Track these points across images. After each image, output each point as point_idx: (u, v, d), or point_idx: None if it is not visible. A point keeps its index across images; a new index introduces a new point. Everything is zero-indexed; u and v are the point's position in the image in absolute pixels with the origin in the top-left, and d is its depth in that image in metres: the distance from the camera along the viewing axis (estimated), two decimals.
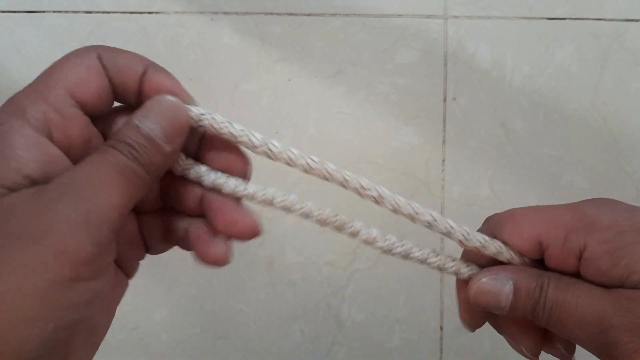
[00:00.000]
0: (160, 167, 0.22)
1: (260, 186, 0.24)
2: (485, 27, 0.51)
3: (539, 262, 0.25)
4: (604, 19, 0.51)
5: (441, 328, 0.51)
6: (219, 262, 0.23)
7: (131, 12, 0.52)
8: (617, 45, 0.51)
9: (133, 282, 0.24)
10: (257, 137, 0.23)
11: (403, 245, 0.25)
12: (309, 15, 0.51)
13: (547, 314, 0.23)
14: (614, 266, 0.22)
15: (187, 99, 0.24)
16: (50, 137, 0.20)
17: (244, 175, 0.25)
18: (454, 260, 0.25)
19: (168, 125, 0.22)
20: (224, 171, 0.23)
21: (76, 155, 0.21)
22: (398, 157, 0.50)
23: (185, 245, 0.24)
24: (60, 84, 0.21)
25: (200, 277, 0.50)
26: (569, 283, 0.23)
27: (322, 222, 0.24)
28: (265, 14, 0.52)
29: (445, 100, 0.51)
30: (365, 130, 0.51)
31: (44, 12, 0.52)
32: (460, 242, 0.24)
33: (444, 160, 0.50)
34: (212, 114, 0.23)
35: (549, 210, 0.24)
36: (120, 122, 0.22)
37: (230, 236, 0.23)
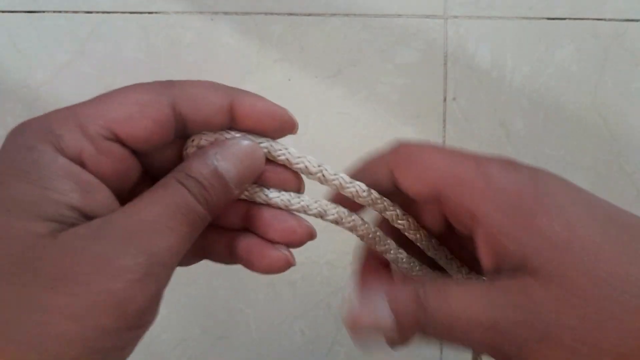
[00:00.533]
0: (223, 207, 0.21)
1: (311, 198, 0.24)
2: (485, 27, 0.51)
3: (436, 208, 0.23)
4: (604, 19, 0.51)
5: None
6: (287, 265, 0.23)
7: (131, 12, 0.52)
8: (617, 45, 0.51)
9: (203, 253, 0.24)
10: (312, 164, 0.24)
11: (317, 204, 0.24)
12: (309, 15, 0.51)
13: (434, 329, 0.20)
14: (505, 237, 0.19)
15: (285, 119, 0.23)
16: (83, 166, 0.19)
17: (298, 189, 0.24)
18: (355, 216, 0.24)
19: (244, 169, 0.21)
20: (276, 187, 0.23)
21: (112, 184, 0.20)
22: None
23: (223, 258, 0.23)
24: (104, 117, 0.20)
25: (201, 277, 0.50)
26: (448, 284, 0.21)
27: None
28: (266, 13, 0.51)
29: (445, 100, 0.51)
30: (365, 130, 0.51)
31: (43, 12, 0.52)
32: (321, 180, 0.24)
33: None
34: (288, 149, 0.24)
35: (453, 157, 0.21)
36: (192, 153, 0.21)
37: (288, 244, 0.23)
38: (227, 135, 0.22)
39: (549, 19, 0.51)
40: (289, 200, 0.23)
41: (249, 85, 0.51)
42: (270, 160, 0.23)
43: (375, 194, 0.24)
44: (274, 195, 0.23)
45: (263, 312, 0.50)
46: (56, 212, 0.18)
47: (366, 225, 0.24)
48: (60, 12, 0.52)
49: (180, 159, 0.22)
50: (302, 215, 0.24)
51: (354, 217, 0.24)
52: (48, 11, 0.52)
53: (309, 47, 0.51)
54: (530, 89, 0.51)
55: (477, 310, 0.19)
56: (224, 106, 0.21)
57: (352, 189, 0.24)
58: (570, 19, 0.51)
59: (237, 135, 0.22)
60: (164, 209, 0.19)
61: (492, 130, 0.50)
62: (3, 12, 0.52)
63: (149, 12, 0.52)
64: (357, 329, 0.21)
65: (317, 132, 0.51)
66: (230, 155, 0.21)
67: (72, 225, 0.18)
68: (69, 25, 0.52)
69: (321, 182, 0.24)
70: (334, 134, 0.51)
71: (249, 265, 0.23)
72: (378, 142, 0.50)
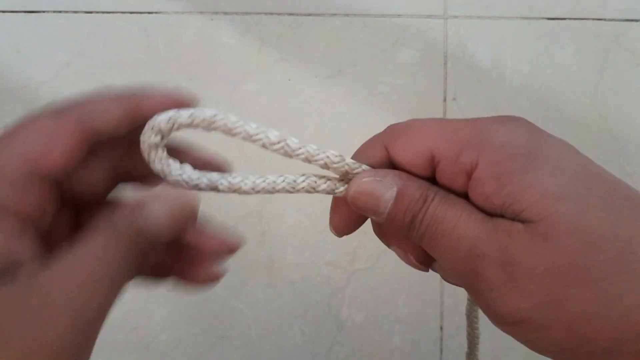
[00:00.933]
0: (151, 256, 0.21)
1: (275, 175, 0.24)
2: (485, 27, 0.51)
3: (431, 181, 0.23)
4: (604, 19, 0.51)
5: (441, 328, 0.51)
6: (217, 279, 0.23)
7: (131, 12, 0.52)
8: (617, 45, 0.51)
9: (132, 283, 0.24)
10: (274, 134, 0.23)
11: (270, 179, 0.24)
12: (309, 15, 0.51)
13: (423, 230, 0.21)
14: (498, 192, 0.20)
15: (187, 101, 0.24)
16: (5, 210, 0.19)
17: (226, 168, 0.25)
18: (325, 179, 0.24)
19: (176, 224, 0.21)
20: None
21: (35, 220, 0.20)
22: None
23: (156, 273, 0.24)
24: (19, 157, 0.19)
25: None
26: (455, 202, 0.21)
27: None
28: (266, 14, 0.51)
29: (445, 100, 0.51)
30: (365, 130, 0.50)
31: (44, 12, 0.52)
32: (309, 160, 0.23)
33: None
34: (246, 124, 0.23)
35: (449, 123, 0.22)
36: (123, 205, 0.21)
37: (221, 254, 0.24)
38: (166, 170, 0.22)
39: (549, 19, 0.51)
40: (253, 182, 0.23)
41: (249, 85, 0.51)
42: (180, 152, 0.24)
43: (349, 159, 0.23)
44: (238, 181, 0.23)
45: (263, 312, 0.50)
46: None
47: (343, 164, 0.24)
48: (60, 12, 0.52)
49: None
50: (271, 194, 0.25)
51: (327, 181, 0.24)
52: (48, 11, 0.52)
53: (309, 47, 0.51)
54: (530, 89, 0.51)
55: (468, 234, 0.20)
56: (124, 113, 0.21)
57: (322, 159, 0.23)
58: (570, 19, 0.51)
59: (177, 168, 0.22)
60: (92, 268, 0.19)
61: None
62: (3, 12, 0.52)
63: (149, 12, 0.52)
64: (357, 195, 0.22)
65: (317, 131, 0.50)
66: (162, 211, 0.21)
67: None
68: (68, 25, 0.52)
69: (287, 155, 0.23)
70: (334, 133, 0.50)
71: (185, 280, 0.24)
72: None
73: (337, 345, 0.50)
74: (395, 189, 0.22)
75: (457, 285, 0.22)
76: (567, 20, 0.51)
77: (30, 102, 0.51)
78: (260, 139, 0.23)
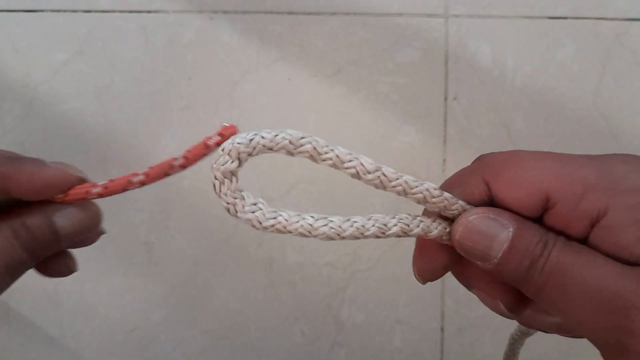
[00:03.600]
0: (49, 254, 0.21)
1: (348, 217, 0.20)
2: (487, 26, 0.51)
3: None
4: (606, 18, 0.51)
5: (442, 329, 0.50)
6: (71, 273, 0.23)
7: (130, 11, 0.51)
8: (619, 45, 0.51)
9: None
10: (368, 162, 0.20)
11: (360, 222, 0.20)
12: (309, 14, 0.51)
13: (545, 278, 0.18)
14: None
15: (69, 182, 0.21)
16: None
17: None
18: (418, 219, 0.20)
19: (80, 228, 0.21)
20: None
21: None
22: (399, 157, 0.50)
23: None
24: None
25: (200, 278, 0.50)
26: (579, 248, 0.18)
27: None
28: (265, 12, 0.51)
29: (446, 99, 0.51)
30: (365, 130, 0.50)
31: (42, 11, 0.52)
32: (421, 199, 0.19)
33: (444, 160, 0.50)
34: (336, 148, 0.20)
35: (564, 159, 0.19)
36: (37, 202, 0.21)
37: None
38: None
39: (550, 18, 0.51)
40: (339, 227, 0.20)
41: (248, 84, 0.51)
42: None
43: (447, 194, 0.20)
44: (320, 225, 0.20)
45: (263, 313, 0.50)
46: None
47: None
48: (58, 11, 0.51)
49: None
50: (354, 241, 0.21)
51: (420, 219, 0.20)
52: (47, 10, 0.51)
53: (309, 47, 0.51)
54: (531, 88, 0.51)
55: (609, 283, 0.17)
56: None
57: (421, 191, 0.20)
58: (571, 18, 0.51)
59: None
60: None
61: (493, 130, 0.50)
62: (1, 11, 0.52)
63: (148, 11, 0.51)
64: (466, 235, 0.19)
65: (317, 131, 0.50)
66: (70, 214, 0.21)
67: None
68: (67, 24, 0.51)
69: (380, 187, 0.20)
70: (334, 133, 0.50)
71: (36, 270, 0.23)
72: (379, 142, 0.50)
73: (337, 346, 0.50)
74: (511, 229, 0.19)
75: (577, 337, 0.19)
76: (568, 20, 0.51)
77: (29, 101, 0.51)
78: (352, 167, 0.19)
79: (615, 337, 0.17)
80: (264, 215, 0.19)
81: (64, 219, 0.21)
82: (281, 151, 0.19)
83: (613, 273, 0.17)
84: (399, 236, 0.20)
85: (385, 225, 0.20)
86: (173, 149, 0.50)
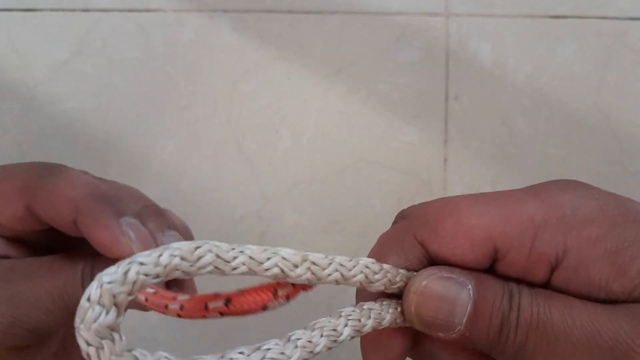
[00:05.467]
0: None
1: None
2: (487, 25, 0.51)
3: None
4: (607, 17, 0.51)
5: None
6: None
7: (129, 10, 0.51)
8: (620, 44, 0.50)
9: None
10: (292, 258, 0.16)
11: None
12: (309, 13, 0.51)
13: (522, 337, 0.15)
14: (619, 275, 0.15)
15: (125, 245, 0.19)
16: None
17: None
18: (367, 308, 0.17)
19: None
20: None
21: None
22: (399, 157, 0.50)
23: None
24: None
25: (198, 278, 0.50)
26: (549, 294, 0.16)
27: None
28: (265, 11, 0.51)
29: (447, 99, 0.50)
30: (365, 130, 0.50)
31: (40, 10, 0.51)
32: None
33: (445, 160, 0.50)
34: (246, 248, 0.16)
35: (502, 199, 0.17)
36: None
37: None
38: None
39: (551, 17, 0.51)
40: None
41: (248, 83, 0.51)
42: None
43: (387, 266, 0.17)
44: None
45: (262, 315, 0.50)
46: None
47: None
48: (57, 10, 0.51)
49: None
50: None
51: (367, 305, 0.17)
52: (45, 9, 0.51)
53: (309, 46, 0.51)
54: (532, 87, 0.50)
55: (599, 329, 0.15)
56: (69, 222, 0.19)
57: (361, 273, 0.17)
58: (572, 17, 0.51)
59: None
60: (52, 288, 0.19)
61: (494, 130, 0.50)
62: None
63: (147, 10, 0.51)
64: (423, 303, 0.16)
65: (317, 131, 0.50)
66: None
67: None
68: (66, 23, 0.51)
69: (311, 282, 0.17)
70: (334, 133, 0.50)
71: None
72: (379, 142, 0.50)
73: (337, 347, 0.50)
74: (470, 286, 0.16)
75: None
76: (569, 19, 0.51)
77: (28, 101, 0.51)
78: (273, 265, 0.16)
79: None
80: None
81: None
82: (175, 275, 0.14)
83: (600, 316, 0.15)
84: (353, 337, 0.17)
85: (335, 330, 0.17)
86: (172, 148, 0.50)
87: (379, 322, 0.17)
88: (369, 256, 0.18)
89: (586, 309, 0.15)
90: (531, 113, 0.50)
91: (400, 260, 0.17)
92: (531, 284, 0.16)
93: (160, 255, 0.14)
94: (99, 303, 0.12)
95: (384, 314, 0.17)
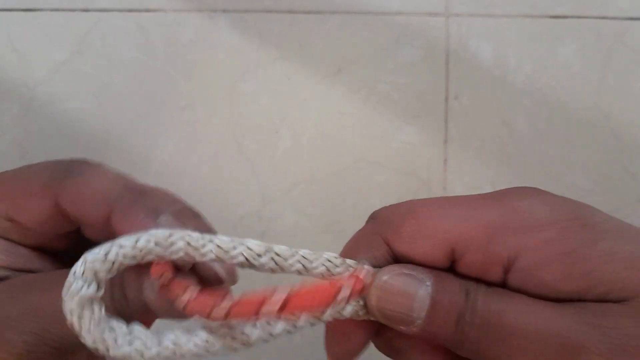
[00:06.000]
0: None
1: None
2: (488, 25, 0.51)
3: None
4: (607, 17, 0.51)
5: None
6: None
7: (129, 10, 0.51)
8: (621, 44, 0.50)
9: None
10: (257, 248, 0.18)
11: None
12: (309, 13, 0.51)
13: (477, 332, 0.16)
14: (566, 276, 0.16)
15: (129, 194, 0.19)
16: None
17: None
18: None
19: (165, 309, 0.19)
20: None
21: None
22: (399, 157, 0.50)
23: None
24: (3, 203, 0.19)
25: None
26: (505, 292, 0.17)
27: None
28: (265, 11, 0.51)
29: (447, 99, 0.50)
30: (365, 130, 0.50)
31: (40, 10, 0.51)
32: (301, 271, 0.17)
33: (445, 160, 0.50)
34: (186, 232, 0.17)
35: (463, 203, 0.18)
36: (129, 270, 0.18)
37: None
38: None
39: (551, 17, 0.51)
40: (207, 342, 0.18)
41: (248, 83, 0.51)
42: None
43: (351, 261, 0.19)
44: (184, 342, 0.17)
45: None
46: None
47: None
48: (57, 10, 0.51)
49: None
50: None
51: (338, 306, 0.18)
52: (45, 9, 0.51)
53: (309, 46, 0.51)
54: (532, 87, 0.50)
55: (549, 325, 0.16)
56: (101, 218, 0.18)
57: (322, 266, 0.18)
58: (573, 17, 0.51)
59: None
60: None
61: (495, 130, 0.50)
62: None
63: (147, 10, 0.51)
64: (383, 298, 0.17)
65: (317, 131, 0.50)
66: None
67: (7, 278, 0.18)
68: (66, 23, 0.51)
69: (274, 271, 0.19)
70: (334, 133, 0.50)
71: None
72: (379, 142, 0.50)
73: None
74: (429, 283, 0.17)
75: None
76: (569, 19, 0.51)
77: (28, 101, 0.51)
78: (239, 253, 0.17)
79: None
80: (144, 344, 0.16)
81: (151, 291, 0.18)
82: (149, 258, 0.16)
83: (551, 314, 0.16)
84: (313, 324, 0.19)
85: (295, 326, 0.18)
86: (172, 148, 0.50)
87: (339, 312, 0.18)
88: (341, 254, 0.19)
89: (538, 307, 0.16)
90: (531, 113, 0.50)
91: (367, 258, 0.19)
92: (489, 284, 0.17)
93: (138, 240, 0.16)
94: (82, 277, 0.15)
95: (344, 309, 0.18)
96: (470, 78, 0.50)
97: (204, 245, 0.17)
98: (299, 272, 0.18)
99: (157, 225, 0.17)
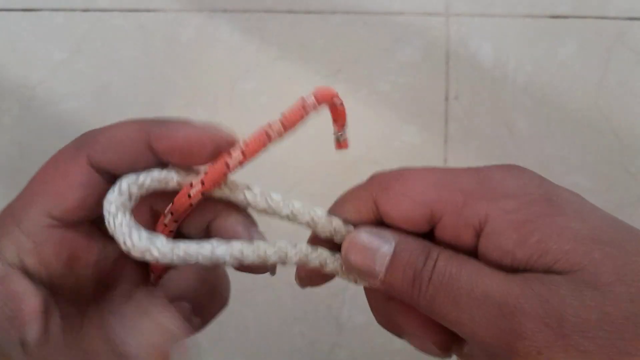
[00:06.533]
0: None
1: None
2: (488, 25, 0.51)
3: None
4: (607, 17, 0.51)
5: None
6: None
7: (129, 10, 0.51)
8: (621, 44, 0.50)
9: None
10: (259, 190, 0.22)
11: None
12: (309, 12, 0.51)
13: (432, 291, 0.18)
14: (520, 244, 0.17)
15: (218, 141, 0.21)
16: (24, 267, 0.19)
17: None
18: (320, 251, 0.21)
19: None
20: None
21: (58, 272, 0.20)
22: (399, 157, 0.50)
23: None
24: (36, 204, 0.20)
25: None
26: (465, 259, 0.19)
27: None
28: (265, 11, 0.51)
29: (447, 99, 0.50)
30: (366, 130, 0.50)
31: (40, 10, 0.51)
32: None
33: (446, 160, 0.50)
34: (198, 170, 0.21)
35: (446, 172, 0.20)
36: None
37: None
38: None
39: (551, 17, 0.51)
40: (241, 252, 0.22)
41: (248, 83, 0.51)
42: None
43: (336, 221, 0.21)
44: (221, 253, 0.21)
45: (262, 314, 0.50)
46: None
47: (337, 258, 0.22)
48: (57, 10, 0.51)
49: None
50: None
51: (320, 251, 0.22)
52: (45, 9, 0.51)
53: (309, 45, 0.51)
54: (533, 87, 0.50)
55: (495, 289, 0.17)
56: (141, 146, 0.20)
57: (306, 216, 0.22)
58: (573, 17, 0.51)
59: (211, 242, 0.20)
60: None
61: (495, 130, 0.50)
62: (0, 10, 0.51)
63: (147, 10, 0.51)
64: (350, 251, 0.20)
65: (317, 131, 0.50)
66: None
67: None
68: (65, 23, 0.51)
69: (270, 213, 0.23)
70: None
71: None
72: (379, 142, 0.50)
73: (337, 347, 0.50)
74: (393, 243, 0.19)
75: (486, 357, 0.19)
76: (569, 19, 0.51)
77: (27, 101, 0.51)
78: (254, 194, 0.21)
79: (506, 341, 0.17)
80: (162, 242, 0.20)
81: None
82: (167, 189, 0.20)
83: (498, 280, 0.18)
84: (297, 263, 0.22)
85: (286, 255, 0.21)
86: None
87: (321, 263, 0.21)
88: (334, 203, 0.22)
89: (489, 274, 0.18)
90: (532, 113, 0.50)
91: (352, 210, 0.21)
92: (462, 249, 0.19)
93: (161, 172, 0.20)
94: (120, 190, 0.19)
95: (329, 260, 0.21)
96: (470, 78, 0.50)
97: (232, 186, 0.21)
98: (288, 218, 0.22)
99: (191, 130, 0.20)
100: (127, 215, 0.19)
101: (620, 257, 0.17)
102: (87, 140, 0.21)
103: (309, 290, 0.51)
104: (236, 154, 0.21)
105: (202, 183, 0.20)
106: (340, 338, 0.50)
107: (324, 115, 0.50)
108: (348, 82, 0.50)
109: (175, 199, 0.20)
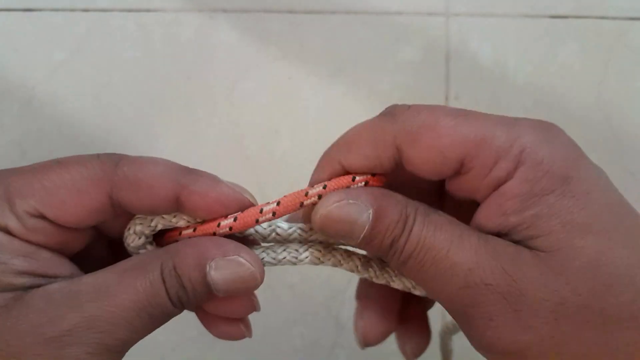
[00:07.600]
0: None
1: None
2: (488, 25, 0.51)
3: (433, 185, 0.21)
4: (607, 17, 0.51)
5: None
6: (242, 337, 0.25)
7: (129, 10, 0.51)
8: (621, 44, 0.50)
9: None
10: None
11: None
12: (309, 12, 0.51)
13: (406, 257, 0.19)
14: (519, 211, 0.18)
15: (242, 204, 0.21)
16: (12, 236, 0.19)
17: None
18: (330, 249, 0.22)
19: (233, 290, 0.21)
20: None
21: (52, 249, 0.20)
22: None
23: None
24: (34, 197, 0.19)
25: None
26: (440, 223, 0.19)
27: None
28: (265, 11, 0.51)
29: (447, 99, 0.50)
30: None
31: (40, 10, 0.51)
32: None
33: None
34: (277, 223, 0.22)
35: (481, 124, 0.19)
36: (189, 241, 0.20)
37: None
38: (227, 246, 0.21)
39: (552, 17, 0.51)
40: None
41: (248, 83, 0.51)
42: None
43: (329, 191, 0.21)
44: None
45: (261, 315, 0.50)
46: (4, 282, 0.18)
47: (351, 259, 0.23)
48: (57, 10, 0.51)
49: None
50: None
51: (333, 252, 0.22)
52: (45, 9, 0.51)
53: (309, 45, 0.51)
54: (533, 87, 0.50)
55: (464, 261, 0.18)
56: (170, 197, 0.20)
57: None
58: (573, 17, 0.51)
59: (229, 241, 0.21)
60: (133, 303, 0.19)
61: None
62: None
63: (147, 10, 0.51)
64: (326, 222, 0.20)
65: (317, 131, 0.50)
66: (227, 271, 0.20)
67: (31, 287, 0.19)
68: (65, 23, 0.51)
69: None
70: (334, 133, 0.50)
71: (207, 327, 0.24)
72: None
73: (337, 347, 0.50)
74: (371, 211, 0.19)
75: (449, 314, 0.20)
76: (570, 19, 0.51)
77: (27, 101, 0.51)
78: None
79: (466, 310, 0.18)
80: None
81: (219, 274, 0.20)
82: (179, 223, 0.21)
83: (469, 249, 0.18)
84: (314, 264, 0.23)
85: (297, 257, 0.23)
86: (172, 148, 0.50)
87: (296, 258, 0.24)
88: (342, 138, 0.22)
89: (463, 241, 0.18)
90: (532, 113, 0.50)
91: (372, 156, 0.20)
92: (465, 200, 0.20)
93: (172, 218, 0.21)
94: (135, 233, 0.21)
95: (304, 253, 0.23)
96: (470, 78, 0.50)
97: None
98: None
99: (223, 191, 0.20)
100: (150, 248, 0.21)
101: (598, 247, 0.17)
102: (117, 172, 0.19)
103: (309, 290, 0.51)
104: (268, 209, 0.21)
105: (230, 229, 0.21)
106: (340, 338, 0.50)
107: (323, 115, 0.50)
108: (348, 82, 0.50)
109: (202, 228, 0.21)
